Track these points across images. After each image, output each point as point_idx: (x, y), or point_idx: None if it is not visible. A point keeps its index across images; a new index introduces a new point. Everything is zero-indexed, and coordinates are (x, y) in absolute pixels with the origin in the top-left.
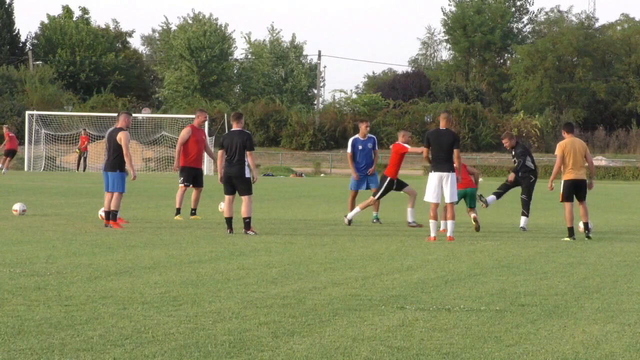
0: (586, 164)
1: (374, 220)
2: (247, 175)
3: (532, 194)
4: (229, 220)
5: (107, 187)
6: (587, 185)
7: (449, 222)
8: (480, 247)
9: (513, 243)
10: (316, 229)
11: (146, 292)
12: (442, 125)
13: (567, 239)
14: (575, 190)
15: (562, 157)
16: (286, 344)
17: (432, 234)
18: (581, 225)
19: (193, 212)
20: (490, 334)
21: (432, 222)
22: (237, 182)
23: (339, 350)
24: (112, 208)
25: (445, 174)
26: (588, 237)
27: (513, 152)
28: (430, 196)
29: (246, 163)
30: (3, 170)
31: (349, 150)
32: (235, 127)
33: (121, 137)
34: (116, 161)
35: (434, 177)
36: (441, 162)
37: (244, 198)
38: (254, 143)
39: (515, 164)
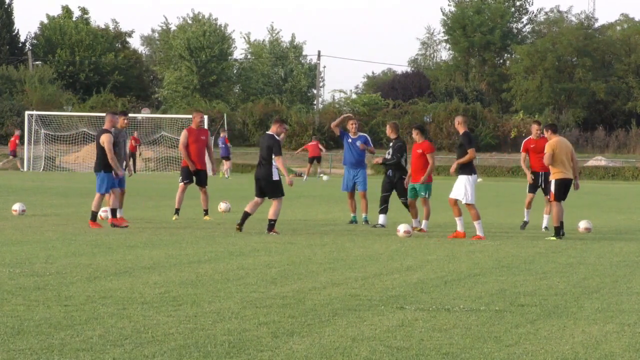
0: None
1: (352, 222)
2: (275, 177)
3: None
4: (245, 215)
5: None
6: (573, 185)
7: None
8: (480, 247)
9: (513, 243)
10: (316, 229)
11: (146, 292)
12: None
13: (553, 238)
14: (564, 190)
15: (551, 156)
16: (286, 344)
17: (460, 229)
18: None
19: (205, 212)
20: (490, 334)
21: (458, 219)
22: (264, 185)
23: (339, 350)
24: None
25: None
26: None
27: (391, 144)
28: (471, 197)
29: (274, 166)
30: None
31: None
32: (270, 131)
33: (104, 139)
34: (99, 162)
35: (472, 179)
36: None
37: (274, 201)
38: (280, 148)
39: (388, 157)
